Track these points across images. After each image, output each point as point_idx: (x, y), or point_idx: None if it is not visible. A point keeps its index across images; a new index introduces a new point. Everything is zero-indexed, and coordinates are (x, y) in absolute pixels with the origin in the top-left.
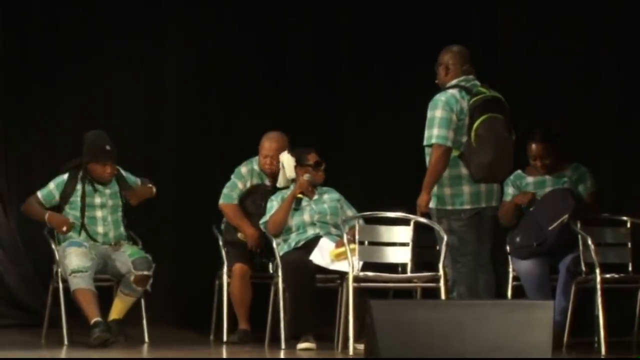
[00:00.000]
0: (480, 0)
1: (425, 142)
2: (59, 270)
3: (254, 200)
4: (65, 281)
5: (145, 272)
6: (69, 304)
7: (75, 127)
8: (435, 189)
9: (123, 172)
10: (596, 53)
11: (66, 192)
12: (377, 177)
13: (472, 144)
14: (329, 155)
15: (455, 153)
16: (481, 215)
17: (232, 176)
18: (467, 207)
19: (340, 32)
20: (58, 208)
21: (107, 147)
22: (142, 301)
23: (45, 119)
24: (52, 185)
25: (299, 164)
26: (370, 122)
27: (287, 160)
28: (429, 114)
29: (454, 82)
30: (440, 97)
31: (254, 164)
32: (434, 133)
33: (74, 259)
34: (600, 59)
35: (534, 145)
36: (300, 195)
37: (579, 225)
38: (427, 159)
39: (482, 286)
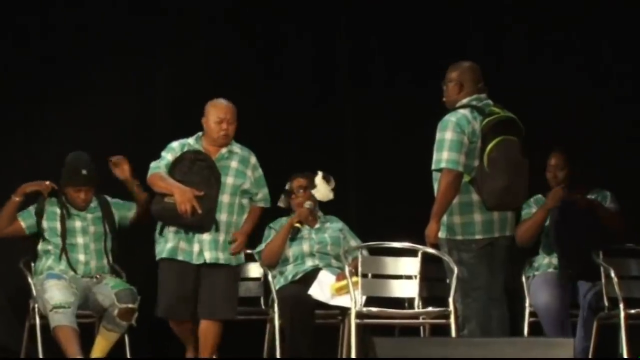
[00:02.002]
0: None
1: (433, 167)
2: (37, 305)
3: (182, 167)
4: (43, 317)
5: (130, 305)
6: (47, 342)
7: (58, 143)
8: (444, 217)
9: (110, 199)
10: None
11: (40, 205)
12: (381, 204)
13: (485, 168)
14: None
15: (466, 178)
16: (494, 245)
17: (162, 151)
18: (479, 237)
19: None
20: (36, 235)
21: (84, 172)
22: (127, 337)
23: (26, 135)
24: (29, 207)
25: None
26: (372, 139)
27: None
28: (438, 135)
29: (464, 101)
30: (451, 118)
31: (190, 139)
32: (444, 157)
33: (56, 293)
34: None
35: (552, 157)
36: (297, 225)
37: (601, 256)
38: (436, 185)
39: (495, 322)
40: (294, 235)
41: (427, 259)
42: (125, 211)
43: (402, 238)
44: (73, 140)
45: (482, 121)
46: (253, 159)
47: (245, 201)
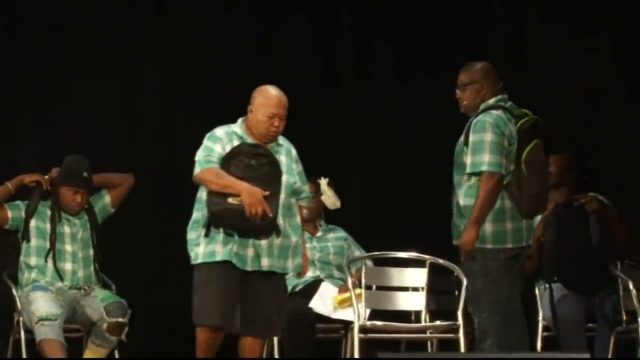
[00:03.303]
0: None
1: (471, 170)
2: (22, 319)
3: (238, 162)
4: (28, 331)
5: (120, 319)
6: (33, 357)
7: (40, 142)
8: (458, 219)
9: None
10: None
11: (32, 203)
12: (386, 211)
13: (524, 172)
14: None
15: None
16: (519, 255)
17: (205, 140)
18: (510, 246)
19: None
20: (23, 236)
21: (84, 174)
22: (116, 353)
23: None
24: (17, 201)
25: None
26: (376, 142)
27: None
28: (475, 137)
29: (491, 102)
30: (487, 119)
31: (234, 127)
32: (485, 159)
33: (42, 305)
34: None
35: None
36: None
37: (618, 266)
38: (461, 190)
39: (514, 336)
40: None
41: (434, 270)
42: (100, 201)
43: (409, 248)
44: (55, 140)
45: (515, 123)
46: (294, 151)
47: (293, 200)
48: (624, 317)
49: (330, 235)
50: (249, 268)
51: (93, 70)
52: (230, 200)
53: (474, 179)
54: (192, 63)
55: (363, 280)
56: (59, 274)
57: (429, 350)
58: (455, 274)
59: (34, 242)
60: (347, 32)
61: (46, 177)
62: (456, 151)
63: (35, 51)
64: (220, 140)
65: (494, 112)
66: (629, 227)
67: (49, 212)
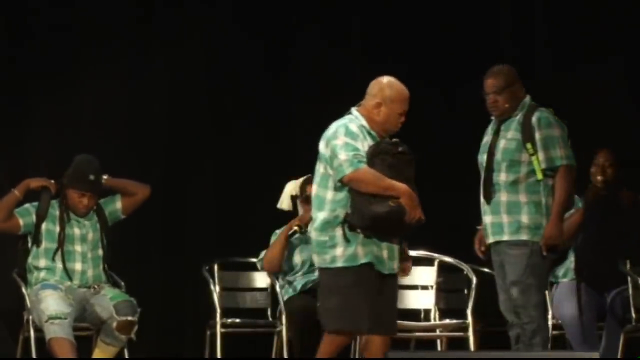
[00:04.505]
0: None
1: (547, 165)
2: (31, 317)
3: (382, 161)
4: (38, 330)
5: (130, 318)
6: (43, 356)
7: (48, 141)
8: (526, 218)
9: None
10: None
11: (42, 206)
12: None
13: None
14: None
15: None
16: None
17: (342, 136)
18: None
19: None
20: (34, 240)
21: (91, 177)
22: (126, 352)
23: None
24: (26, 205)
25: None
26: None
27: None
28: (544, 132)
29: (527, 100)
30: (549, 115)
31: (360, 119)
32: (560, 153)
33: (52, 304)
34: None
35: (600, 155)
36: (296, 228)
37: (628, 264)
38: (522, 186)
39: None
40: (291, 237)
41: (443, 268)
42: (112, 205)
43: (417, 246)
44: (63, 139)
45: None
46: None
47: None
48: (634, 315)
49: None
50: (385, 271)
51: (101, 70)
52: (391, 203)
53: (540, 175)
54: (202, 64)
55: None
56: (68, 274)
57: (439, 348)
58: (465, 272)
59: (43, 245)
60: (358, 38)
61: (52, 181)
62: (506, 149)
63: (43, 50)
64: (358, 137)
65: (543, 109)
66: None
67: (57, 214)
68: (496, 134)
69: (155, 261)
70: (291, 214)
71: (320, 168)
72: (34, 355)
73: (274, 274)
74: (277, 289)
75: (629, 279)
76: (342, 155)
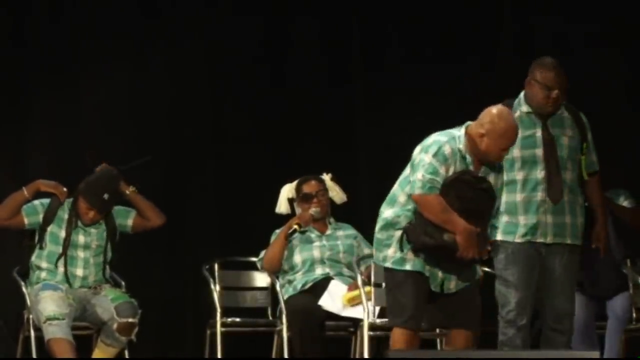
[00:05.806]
0: None
1: (592, 168)
2: (31, 317)
3: (460, 192)
4: (38, 329)
5: (130, 319)
6: (42, 356)
7: (49, 138)
8: (582, 221)
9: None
10: None
11: (52, 208)
12: None
13: None
14: (338, 170)
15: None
16: None
17: (431, 155)
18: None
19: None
20: (39, 241)
21: (105, 196)
22: (127, 353)
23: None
24: (36, 202)
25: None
26: (385, 136)
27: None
28: (590, 134)
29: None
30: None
31: (457, 142)
32: (596, 159)
33: (50, 304)
34: None
35: None
36: (296, 226)
37: (628, 263)
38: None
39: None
40: (291, 236)
41: None
42: (123, 219)
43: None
44: (64, 136)
45: None
46: None
47: None
48: (634, 315)
49: (340, 233)
50: (436, 289)
51: (102, 69)
52: (445, 237)
53: (586, 176)
54: (203, 64)
55: (372, 278)
56: (69, 279)
57: (439, 347)
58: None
59: (47, 247)
60: (358, 33)
61: (64, 189)
62: (570, 146)
63: (44, 48)
64: (446, 162)
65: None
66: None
67: (66, 217)
68: (545, 129)
69: (155, 260)
70: (290, 216)
71: (407, 169)
72: (34, 355)
73: (274, 273)
74: (278, 288)
75: (629, 278)
76: (420, 174)
